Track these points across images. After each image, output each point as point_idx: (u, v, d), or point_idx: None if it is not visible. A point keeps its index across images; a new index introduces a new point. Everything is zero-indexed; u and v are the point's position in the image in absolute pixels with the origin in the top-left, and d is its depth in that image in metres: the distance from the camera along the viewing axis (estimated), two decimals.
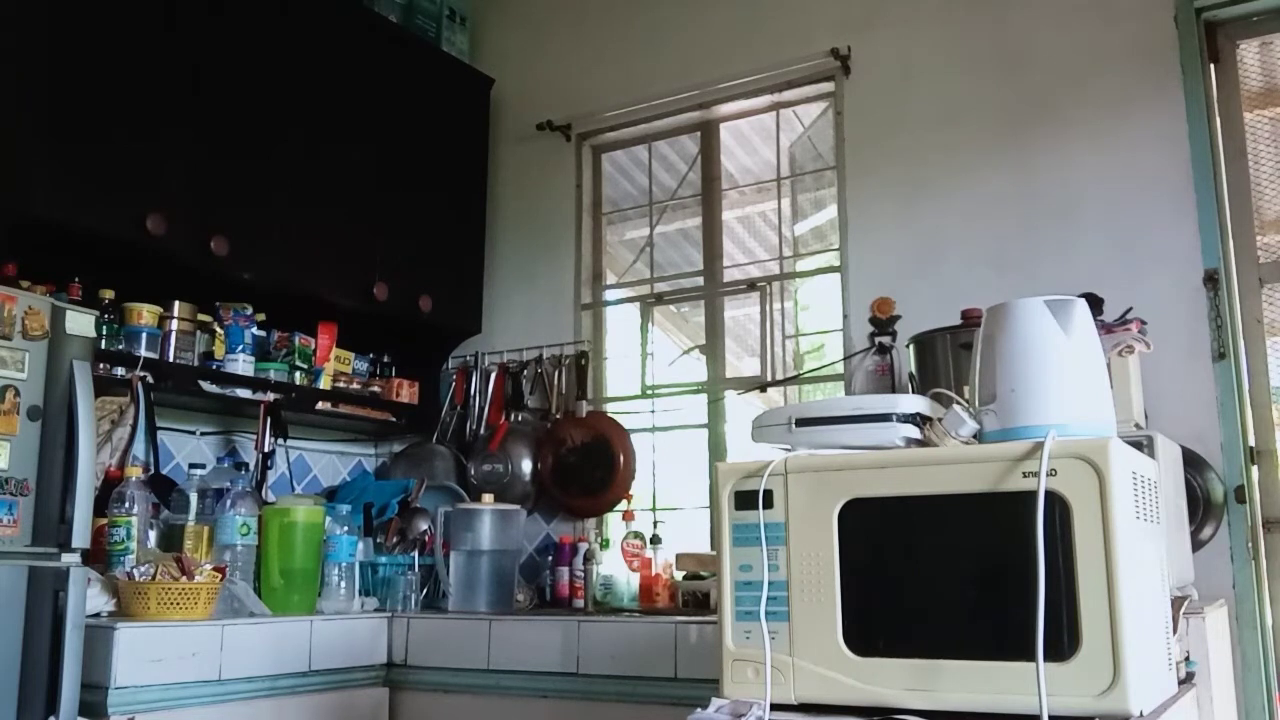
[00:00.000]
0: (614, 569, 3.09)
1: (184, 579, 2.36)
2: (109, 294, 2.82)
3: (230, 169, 3.00)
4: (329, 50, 3.36)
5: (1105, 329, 2.33)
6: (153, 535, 2.62)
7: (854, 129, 3.32)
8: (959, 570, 1.43)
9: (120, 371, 2.78)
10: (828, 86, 3.43)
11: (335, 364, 3.42)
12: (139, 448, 2.79)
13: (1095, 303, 2.52)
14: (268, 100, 3.13)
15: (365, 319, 3.45)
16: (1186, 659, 1.90)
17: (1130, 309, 2.56)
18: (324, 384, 3.36)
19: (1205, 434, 2.68)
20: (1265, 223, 2.84)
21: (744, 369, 3.73)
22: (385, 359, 3.67)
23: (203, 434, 3.28)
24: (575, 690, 2.55)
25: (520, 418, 3.67)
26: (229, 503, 2.70)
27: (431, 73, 3.74)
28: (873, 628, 1.46)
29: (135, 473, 2.60)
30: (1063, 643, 1.31)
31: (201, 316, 3.05)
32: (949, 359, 2.63)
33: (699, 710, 1.48)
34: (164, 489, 2.80)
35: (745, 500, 1.57)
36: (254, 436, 3.15)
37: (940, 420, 1.59)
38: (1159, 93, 2.88)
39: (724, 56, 3.57)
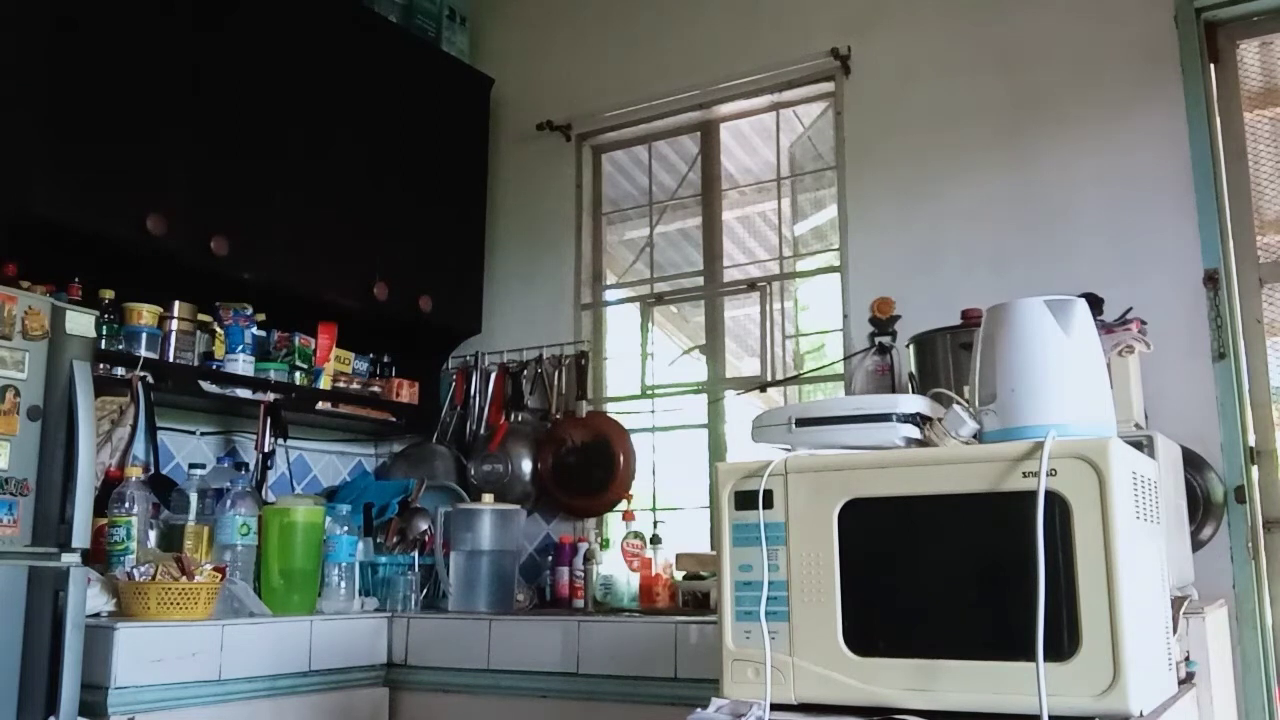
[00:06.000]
0: (614, 569, 3.09)
1: (184, 579, 2.36)
2: (109, 294, 2.82)
3: (230, 169, 3.00)
4: (329, 50, 3.36)
5: (1105, 329, 2.33)
6: (153, 535, 2.62)
7: (854, 129, 3.32)
8: (959, 570, 1.43)
9: (120, 371, 2.78)
10: (828, 86, 3.43)
11: (335, 364, 3.42)
12: (139, 448, 2.79)
13: (1095, 303, 2.52)
14: (268, 100, 3.13)
15: (365, 319, 3.45)
16: (1186, 659, 1.90)
17: (1130, 309, 2.56)
18: (324, 384, 3.36)
19: (1205, 434, 2.68)
20: (1265, 223, 2.84)
21: (744, 369, 3.72)
22: (385, 359, 3.67)
23: (203, 434, 3.28)
24: (575, 690, 2.55)
25: (520, 418, 3.67)
26: (229, 503, 2.70)
27: (431, 73, 3.74)
28: (873, 628, 1.46)
29: (135, 473, 2.60)
30: (1063, 643, 1.31)
31: (201, 316, 3.05)
32: (949, 359, 2.63)
33: (699, 710, 1.48)
34: (164, 489, 2.80)
35: (745, 500, 1.57)
36: (254, 436, 3.15)
37: (940, 420, 1.59)
38: (1159, 93, 2.88)
39: (724, 56, 3.57)
